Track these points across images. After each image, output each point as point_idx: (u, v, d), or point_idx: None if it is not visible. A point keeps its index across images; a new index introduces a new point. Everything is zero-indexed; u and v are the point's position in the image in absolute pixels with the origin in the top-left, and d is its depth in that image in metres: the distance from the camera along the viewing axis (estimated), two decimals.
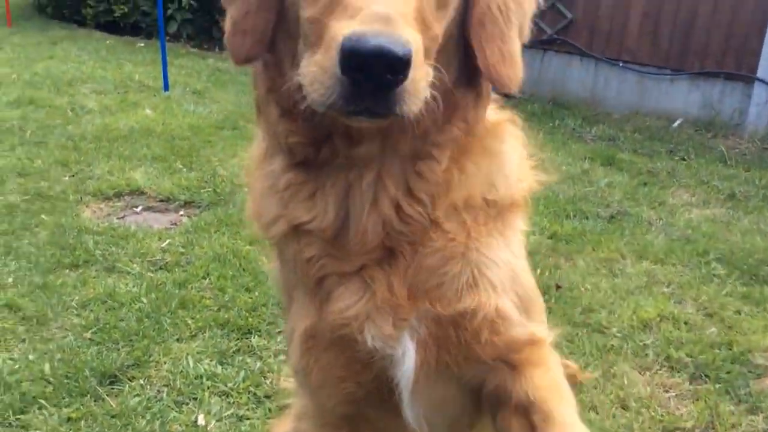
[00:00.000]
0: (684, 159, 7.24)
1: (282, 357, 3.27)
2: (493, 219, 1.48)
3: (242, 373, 3.14)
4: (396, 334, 1.40)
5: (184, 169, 5.85)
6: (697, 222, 5.29)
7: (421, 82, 1.17)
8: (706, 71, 8.21)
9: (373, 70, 1.10)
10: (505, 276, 1.46)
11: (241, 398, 2.99)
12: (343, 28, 1.13)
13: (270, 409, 2.93)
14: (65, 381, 2.98)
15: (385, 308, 1.39)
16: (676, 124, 8.27)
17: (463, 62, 1.41)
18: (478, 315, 1.41)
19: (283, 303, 1.76)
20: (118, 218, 4.88)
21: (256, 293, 3.80)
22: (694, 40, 8.18)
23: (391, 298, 1.39)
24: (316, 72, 1.16)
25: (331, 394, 1.53)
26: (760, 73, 7.97)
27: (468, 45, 1.39)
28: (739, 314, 3.85)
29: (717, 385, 3.18)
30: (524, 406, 1.44)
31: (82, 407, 2.85)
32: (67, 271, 3.96)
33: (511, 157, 1.57)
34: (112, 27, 11.66)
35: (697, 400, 3.08)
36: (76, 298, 3.64)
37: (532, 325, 1.51)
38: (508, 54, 1.40)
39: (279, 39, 1.39)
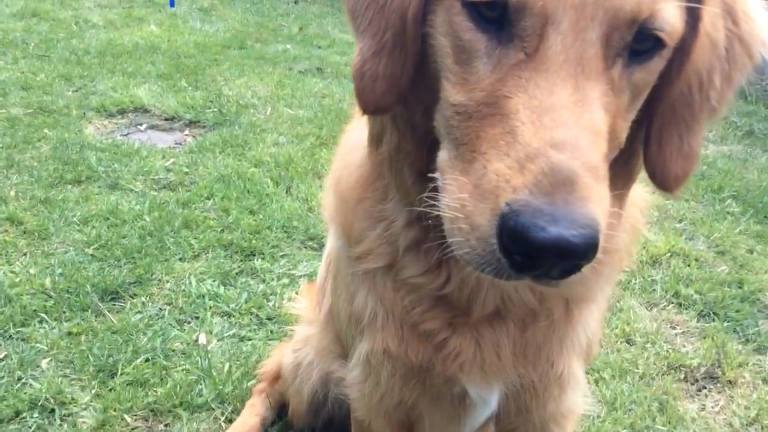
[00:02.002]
0: None
1: (285, 280, 3.23)
2: (602, 278, 1.39)
3: (244, 295, 3.10)
4: (491, 390, 1.48)
5: (189, 88, 5.73)
6: (713, 158, 5.18)
7: (603, 217, 0.94)
8: None
9: (545, 264, 0.90)
10: (587, 340, 1.52)
11: (242, 319, 2.96)
12: (506, 182, 0.90)
13: (272, 331, 2.90)
14: (66, 296, 2.95)
15: (489, 367, 1.41)
16: None
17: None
18: (559, 378, 1.48)
19: (330, 296, 1.80)
20: (121, 135, 4.79)
21: (260, 216, 3.74)
22: None
23: (496, 358, 1.40)
24: (462, 222, 0.96)
25: (399, 389, 1.55)
26: None
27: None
28: (752, 253, 3.79)
29: (725, 324, 3.13)
30: None
31: (82, 322, 2.82)
32: (70, 186, 3.90)
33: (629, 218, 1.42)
34: None
35: (704, 338, 3.04)
36: (78, 213, 3.58)
37: (576, 399, 1.60)
38: (687, 147, 1.17)
39: (412, 88, 1.17)
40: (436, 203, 1.03)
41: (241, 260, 3.37)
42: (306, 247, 3.55)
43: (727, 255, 3.74)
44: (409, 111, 1.20)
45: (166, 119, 5.16)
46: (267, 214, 3.76)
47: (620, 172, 1.17)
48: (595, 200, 0.90)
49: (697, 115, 1.15)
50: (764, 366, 2.89)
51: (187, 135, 4.94)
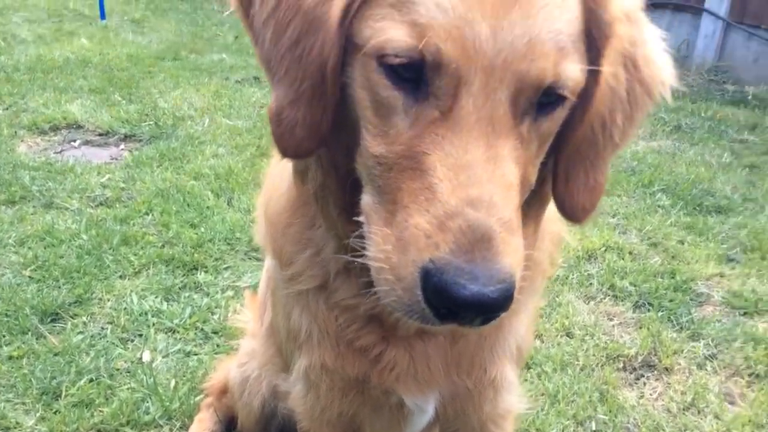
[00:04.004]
0: None
1: (229, 293, 3.22)
2: (525, 291, 1.43)
3: (188, 310, 3.08)
4: (427, 398, 1.53)
5: (124, 102, 5.65)
6: (643, 154, 5.35)
7: (518, 267, 1.01)
8: (654, 2, 8.20)
9: (467, 316, 0.98)
10: (516, 345, 1.58)
11: (188, 334, 2.94)
12: (428, 238, 0.96)
13: (218, 345, 2.89)
14: (5, 319, 2.88)
15: (423, 377, 1.46)
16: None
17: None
18: (493, 383, 1.55)
19: (270, 311, 1.83)
20: (55, 152, 4.70)
21: (202, 229, 3.71)
22: None
23: (427, 369, 1.45)
24: (388, 273, 1.01)
25: (339, 401, 1.59)
26: (707, 5, 8.00)
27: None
28: (683, 244, 3.93)
29: (660, 313, 3.25)
30: None
31: (23, 345, 2.76)
32: (3, 207, 3.81)
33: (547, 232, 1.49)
34: None
35: (641, 327, 3.15)
36: (14, 235, 3.50)
37: (511, 400, 1.66)
38: (593, 182, 1.23)
39: (333, 132, 1.19)
40: (362, 248, 1.08)
41: (184, 275, 3.35)
42: (250, 258, 3.54)
43: (660, 247, 3.88)
44: (332, 152, 1.23)
45: (101, 134, 5.08)
46: (209, 226, 3.74)
47: (533, 200, 1.24)
48: (510, 253, 0.97)
49: (601, 153, 1.22)
50: (698, 352, 3.00)
51: (122, 150, 4.87)
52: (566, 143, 1.19)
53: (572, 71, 1.06)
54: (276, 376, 1.93)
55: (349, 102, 1.14)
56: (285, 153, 1.20)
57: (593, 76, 1.12)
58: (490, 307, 0.94)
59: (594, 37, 1.11)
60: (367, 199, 1.12)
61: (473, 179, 0.98)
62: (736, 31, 8.01)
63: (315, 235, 1.40)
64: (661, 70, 1.22)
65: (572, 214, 1.26)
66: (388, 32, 1.02)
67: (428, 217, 0.97)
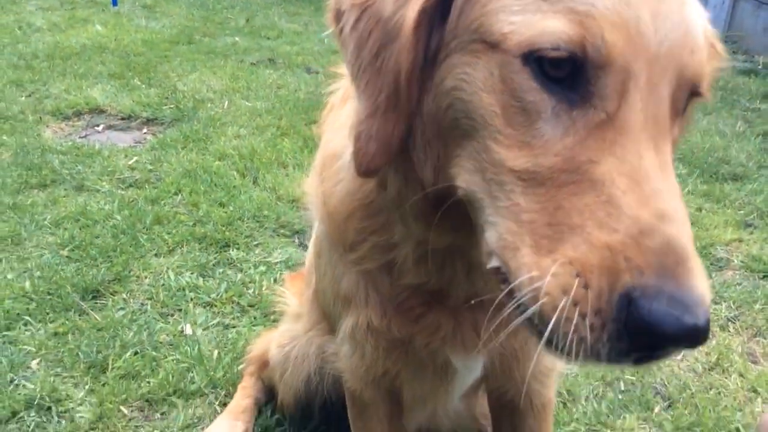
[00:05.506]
0: None
1: (262, 268, 3.32)
2: None
3: (224, 285, 3.18)
4: (475, 358, 1.57)
5: (143, 86, 5.73)
6: None
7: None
8: None
9: (671, 349, 0.86)
10: None
11: (225, 308, 3.04)
12: (626, 261, 0.83)
13: (255, 317, 2.99)
14: (47, 297, 2.98)
15: (472, 341, 1.49)
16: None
17: None
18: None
19: (317, 277, 1.85)
20: (80, 137, 4.79)
21: (231, 208, 3.81)
22: None
23: (475, 335, 1.48)
24: (564, 311, 0.85)
25: (384, 360, 1.63)
26: None
27: None
28: (701, 211, 4.00)
29: None
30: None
31: (67, 322, 2.86)
32: (36, 191, 3.91)
33: None
34: None
35: None
36: (49, 216, 3.60)
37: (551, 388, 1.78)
38: None
39: (412, 140, 1.13)
40: (503, 292, 0.97)
41: (217, 252, 3.44)
42: (279, 235, 3.64)
43: None
44: (416, 167, 1.15)
45: (123, 118, 5.17)
46: (237, 205, 3.83)
47: None
48: (702, 273, 0.87)
49: None
50: (721, 315, 3.09)
51: (146, 133, 4.96)
52: None
53: (709, 69, 1.00)
54: (322, 340, 2.01)
55: (450, 113, 1.04)
56: (359, 169, 1.14)
57: None
58: (703, 340, 0.84)
59: None
60: (493, 235, 0.99)
61: (656, 190, 0.87)
62: (744, 0, 8.00)
63: (386, 232, 1.38)
64: None
65: None
66: (541, 24, 0.91)
67: (619, 237, 0.84)
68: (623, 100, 0.90)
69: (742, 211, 4.01)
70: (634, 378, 2.69)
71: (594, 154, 0.89)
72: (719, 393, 2.63)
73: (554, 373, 1.79)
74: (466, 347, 1.50)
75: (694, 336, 0.82)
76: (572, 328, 0.85)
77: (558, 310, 0.86)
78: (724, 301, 3.17)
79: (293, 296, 2.36)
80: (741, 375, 2.73)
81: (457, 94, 1.01)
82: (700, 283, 0.84)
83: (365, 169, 1.13)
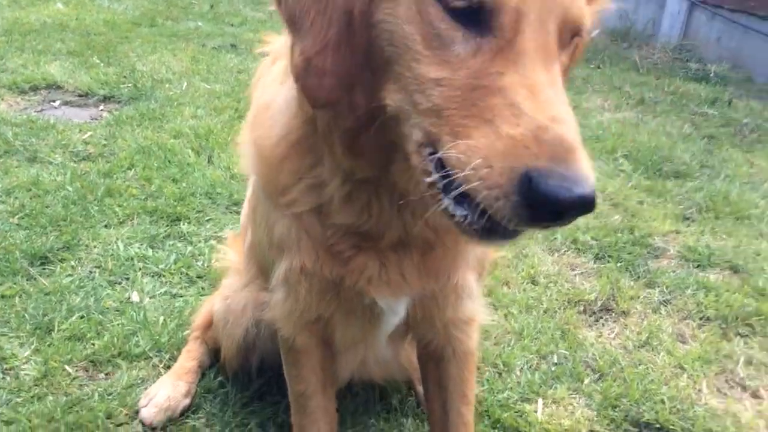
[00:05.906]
0: (599, 67, 7.52)
1: (212, 242, 3.36)
2: None
3: (173, 256, 3.21)
4: (398, 300, 1.68)
5: (102, 64, 5.71)
6: (608, 123, 5.57)
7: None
8: None
9: (568, 217, 1.05)
10: (476, 257, 1.76)
11: (173, 278, 3.08)
12: (526, 148, 1.02)
13: (203, 288, 3.03)
14: None
15: (395, 282, 1.60)
16: (593, 34, 8.51)
17: None
18: (455, 288, 1.71)
19: (252, 230, 1.93)
20: (35, 112, 4.76)
21: (184, 184, 3.83)
22: None
23: (400, 276, 1.60)
24: (484, 181, 1.04)
25: (316, 304, 1.71)
26: None
27: None
28: (642, 204, 4.15)
29: (618, 264, 3.46)
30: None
31: (15, 285, 2.88)
32: None
33: None
34: None
35: (600, 276, 3.36)
36: (0, 186, 3.59)
37: (473, 307, 1.82)
38: None
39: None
40: (426, 171, 1.16)
41: (167, 225, 3.47)
42: (231, 212, 3.68)
43: (620, 207, 4.10)
44: (350, 95, 1.27)
45: (80, 95, 5.15)
46: (190, 182, 3.86)
47: None
48: (587, 160, 1.07)
49: None
50: (653, 298, 3.23)
51: (102, 110, 4.95)
52: None
53: (588, 14, 1.21)
54: (258, 292, 2.06)
55: (383, 39, 1.18)
56: (316, 103, 1.26)
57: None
58: (591, 206, 1.03)
59: None
60: (417, 133, 1.17)
61: (549, 98, 1.07)
62: (700, 10, 8.26)
63: (319, 172, 1.49)
64: None
65: None
66: None
67: (521, 130, 1.03)
68: (518, 32, 1.10)
69: (681, 206, 4.17)
70: (567, 352, 2.80)
71: (499, 67, 1.08)
72: (647, 368, 2.76)
73: (474, 324, 1.88)
74: (391, 288, 1.60)
75: (584, 203, 1.00)
76: (486, 197, 1.04)
77: (472, 182, 1.05)
78: (658, 286, 3.30)
79: (236, 254, 2.42)
80: (669, 353, 2.86)
81: (384, 26, 1.17)
82: (585, 165, 1.03)
83: (324, 102, 1.25)
